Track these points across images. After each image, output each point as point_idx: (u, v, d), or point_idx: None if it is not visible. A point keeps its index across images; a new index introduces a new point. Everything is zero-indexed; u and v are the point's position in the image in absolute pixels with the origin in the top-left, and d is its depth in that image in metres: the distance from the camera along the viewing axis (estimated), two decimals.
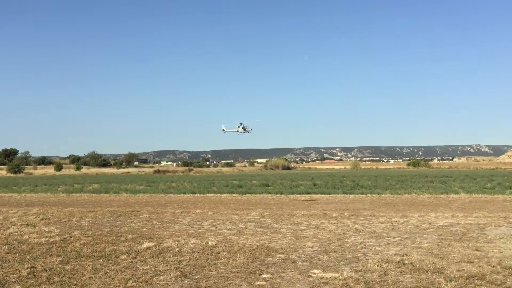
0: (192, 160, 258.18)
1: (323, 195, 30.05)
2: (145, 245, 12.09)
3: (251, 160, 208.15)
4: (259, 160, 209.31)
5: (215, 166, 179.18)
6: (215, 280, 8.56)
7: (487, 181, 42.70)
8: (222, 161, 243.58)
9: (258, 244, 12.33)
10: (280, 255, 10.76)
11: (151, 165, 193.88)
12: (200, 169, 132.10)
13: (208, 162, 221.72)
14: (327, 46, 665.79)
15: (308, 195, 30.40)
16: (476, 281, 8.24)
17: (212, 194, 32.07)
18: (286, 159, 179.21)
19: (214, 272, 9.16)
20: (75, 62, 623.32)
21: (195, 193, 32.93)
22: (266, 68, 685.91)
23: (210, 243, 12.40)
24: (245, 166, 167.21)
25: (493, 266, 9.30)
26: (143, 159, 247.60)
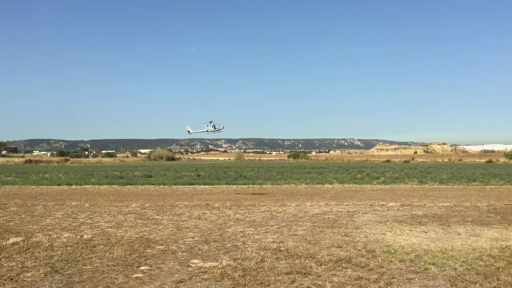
0: (69, 149, 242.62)
1: (207, 186, 30.24)
2: (12, 240, 11.13)
3: (134, 150, 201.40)
4: (143, 151, 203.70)
5: (94, 156, 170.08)
6: (89, 275, 8.16)
7: (357, 172, 46.33)
8: (103, 151, 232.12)
9: (137, 236, 12.02)
10: (160, 247, 10.61)
11: (21, 154, 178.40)
12: (78, 159, 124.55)
13: (87, 152, 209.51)
14: (211, 37, 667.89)
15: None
16: (344, 264, 8.90)
17: (90, 186, 30.55)
18: (171, 150, 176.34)
19: (89, 267, 8.73)
20: None
21: (71, 185, 31.09)
22: (148, 58, 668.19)
23: (85, 236, 11.80)
24: (128, 156, 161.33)
25: (359, 250, 10.11)
26: (12, 148, 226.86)
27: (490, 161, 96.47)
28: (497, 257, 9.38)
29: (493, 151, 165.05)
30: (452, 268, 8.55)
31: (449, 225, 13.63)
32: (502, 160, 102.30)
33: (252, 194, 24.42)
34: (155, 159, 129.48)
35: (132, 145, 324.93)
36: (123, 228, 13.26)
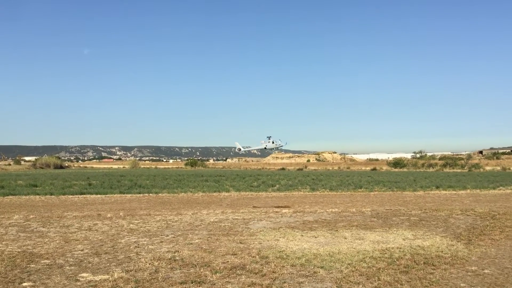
0: None
1: (99, 195, 28.93)
2: None
3: (17, 157, 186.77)
4: (27, 158, 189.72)
5: None
6: None
7: (254, 180, 47.25)
8: None
9: (20, 250, 11.15)
10: (46, 261, 9.95)
11: None
12: None
13: None
14: (108, 44, 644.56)
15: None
16: (238, 271, 9.05)
17: None
18: (59, 158, 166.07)
19: None
20: None
21: None
22: (34, 58, 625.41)
23: None
24: (10, 164, 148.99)
25: (253, 257, 10.34)
26: None
27: (374, 169, 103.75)
28: (378, 259, 10.15)
29: (377, 160, 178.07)
30: (339, 270, 9.09)
31: (336, 230, 14.45)
32: (385, 168, 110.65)
33: (275, 207, 21.55)
34: (42, 167, 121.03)
35: (15, 152, 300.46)
36: (3, 242, 12.23)
